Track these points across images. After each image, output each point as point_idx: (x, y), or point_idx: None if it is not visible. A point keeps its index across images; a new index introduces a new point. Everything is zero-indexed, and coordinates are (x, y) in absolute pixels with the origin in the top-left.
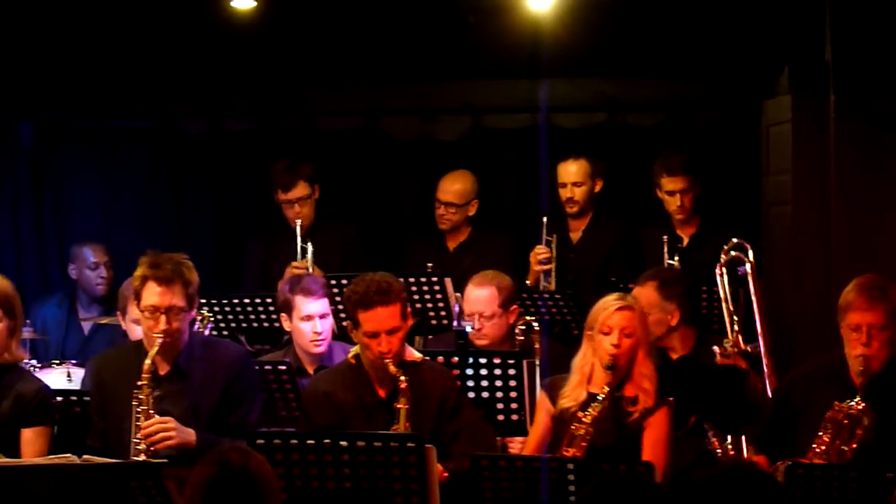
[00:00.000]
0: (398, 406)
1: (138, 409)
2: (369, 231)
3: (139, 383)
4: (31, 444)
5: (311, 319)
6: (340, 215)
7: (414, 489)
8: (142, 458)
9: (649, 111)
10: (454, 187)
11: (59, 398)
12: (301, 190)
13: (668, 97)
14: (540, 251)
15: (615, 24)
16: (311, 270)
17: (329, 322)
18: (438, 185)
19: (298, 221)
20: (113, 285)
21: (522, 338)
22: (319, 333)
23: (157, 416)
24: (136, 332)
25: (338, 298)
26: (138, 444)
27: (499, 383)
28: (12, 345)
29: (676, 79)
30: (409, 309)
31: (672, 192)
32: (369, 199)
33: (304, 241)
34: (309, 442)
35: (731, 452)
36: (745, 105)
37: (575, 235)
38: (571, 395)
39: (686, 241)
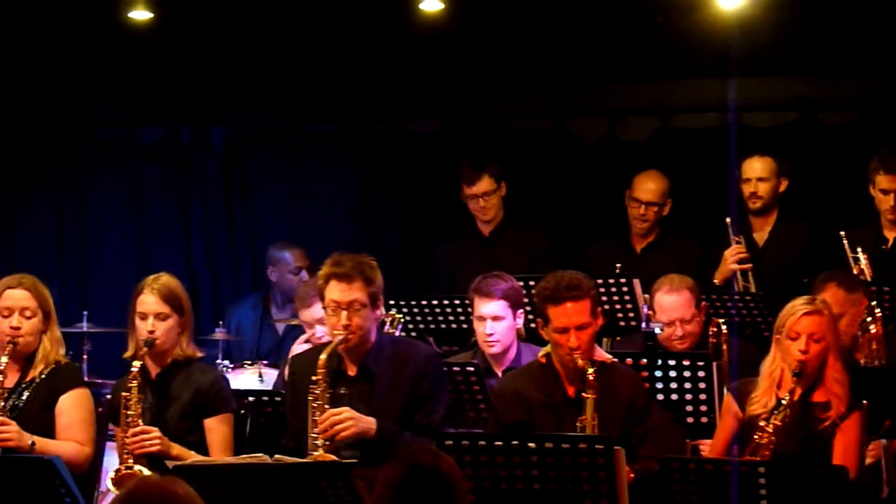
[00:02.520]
0: (585, 396)
1: (314, 405)
2: (555, 232)
3: (314, 378)
4: (215, 432)
5: (483, 321)
6: (526, 217)
7: (602, 491)
8: (319, 452)
9: (841, 109)
10: (654, 186)
11: (250, 398)
12: (486, 184)
13: (860, 95)
14: (737, 251)
15: (806, 21)
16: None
17: (504, 325)
18: (634, 184)
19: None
20: None
21: (714, 340)
22: (490, 335)
23: (331, 409)
24: (314, 334)
25: (525, 300)
26: (315, 438)
27: (688, 385)
28: (183, 341)
29: (869, 76)
30: (599, 308)
31: (887, 190)
32: (555, 200)
33: (491, 243)
34: (497, 443)
35: None
36: None
37: (760, 236)
38: (761, 400)
39: (891, 242)
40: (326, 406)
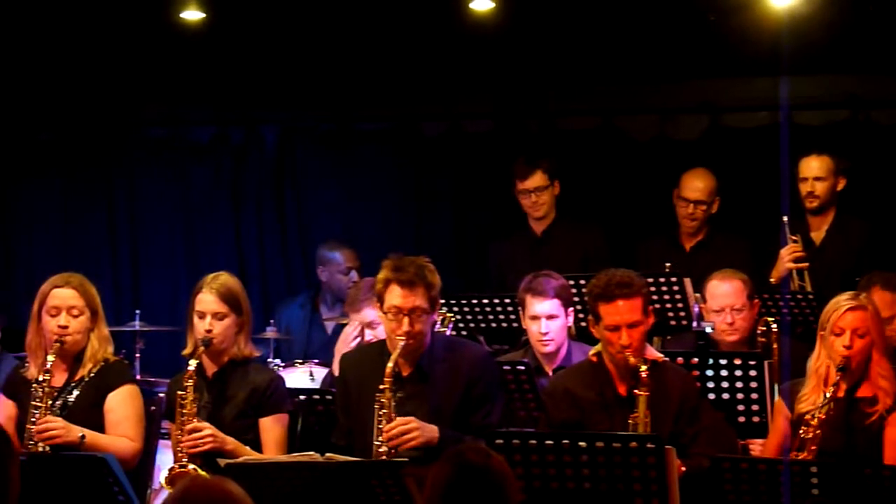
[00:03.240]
0: (638, 393)
1: (380, 412)
2: (606, 231)
3: (381, 386)
4: (270, 432)
5: (537, 320)
6: (576, 215)
7: (653, 490)
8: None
9: (893, 108)
10: (702, 185)
11: (301, 396)
12: (538, 179)
13: None
14: (793, 249)
15: (857, 18)
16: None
17: (558, 323)
18: (682, 183)
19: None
20: None
21: (764, 339)
22: (545, 334)
23: (398, 418)
24: (365, 334)
25: (576, 299)
26: (380, 446)
27: (739, 384)
28: (241, 341)
29: None
30: (651, 306)
31: None
32: (605, 199)
33: (543, 242)
34: (548, 442)
35: None
36: None
37: (817, 235)
38: (809, 398)
39: None
40: (393, 415)
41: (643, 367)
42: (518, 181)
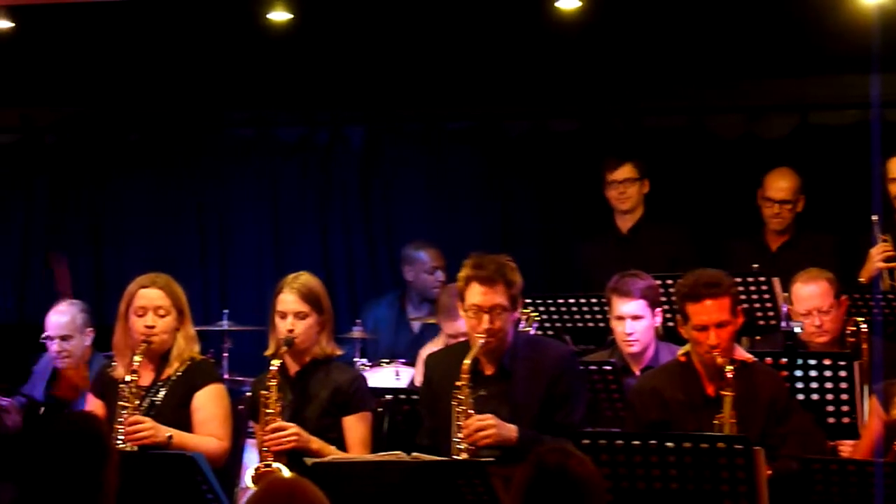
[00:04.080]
0: (723, 394)
1: (458, 409)
2: (694, 230)
3: (458, 383)
4: (353, 430)
5: (622, 320)
6: (663, 214)
7: (742, 491)
8: (463, 456)
9: None
10: (786, 184)
11: (387, 396)
12: (628, 171)
13: None
14: (883, 249)
15: None
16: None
17: (643, 324)
18: (766, 184)
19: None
20: None
21: (853, 340)
22: (630, 335)
23: (476, 415)
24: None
25: (663, 299)
26: (459, 443)
27: (829, 385)
28: (323, 340)
29: None
30: (739, 306)
31: None
32: (693, 198)
33: (629, 241)
34: (634, 442)
35: None
36: None
37: None
38: None
39: None
40: (471, 411)
41: (729, 367)
42: (607, 173)
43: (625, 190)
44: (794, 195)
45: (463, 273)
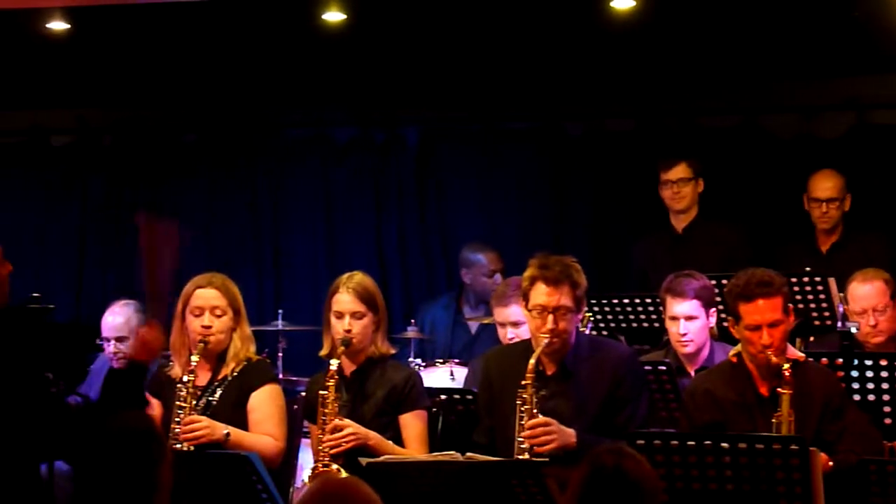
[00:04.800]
0: (781, 392)
1: (522, 409)
2: (749, 230)
3: (523, 383)
4: (410, 427)
5: (676, 320)
6: (718, 214)
7: (797, 493)
8: (525, 456)
9: None
10: (830, 183)
11: (442, 396)
12: (682, 171)
13: None
14: None
15: None
16: None
17: (697, 324)
18: (811, 186)
19: (676, 206)
20: None
21: None
22: (683, 335)
23: (540, 417)
24: (505, 334)
25: (718, 299)
26: (521, 443)
27: (885, 385)
28: (378, 339)
29: None
30: (791, 305)
31: None
32: (748, 197)
33: (684, 240)
34: (689, 443)
35: None
36: None
37: None
38: None
39: None
40: (535, 411)
41: (786, 366)
42: (662, 172)
43: (679, 189)
44: (839, 193)
45: (528, 273)
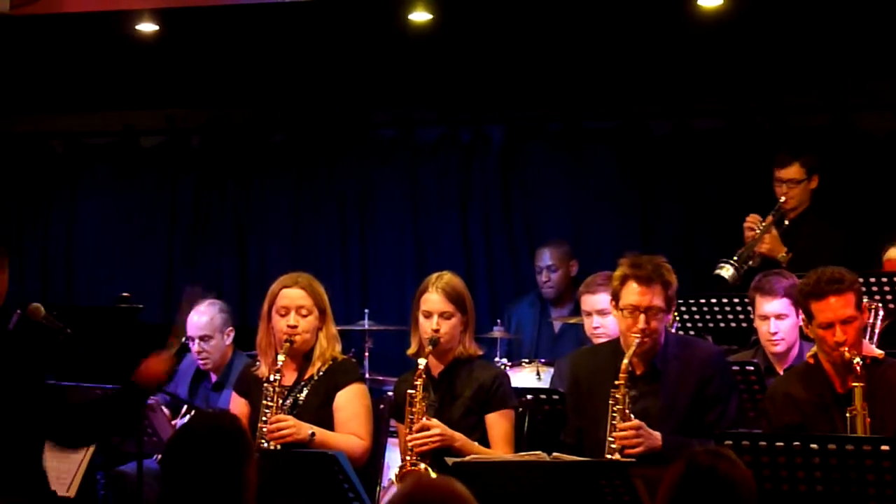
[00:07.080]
0: (853, 385)
1: (614, 409)
2: (850, 234)
3: (616, 383)
4: (496, 427)
5: (766, 319)
6: (821, 213)
7: (888, 494)
8: (616, 457)
9: None
10: None
11: (528, 396)
12: (794, 172)
13: None
14: None
15: None
16: None
17: (787, 323)
18: None
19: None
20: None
21: None
22: (774, 334)
23: (633, 419)
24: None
25: None
26: (612, 442)
27: None
28: (466, 339)
29: None
30: (864, 302)
31: None
32: (842, 196)
33: (789, 233)
34: (777, 443)
35: None
36: None
37: None
38: None
39: None
40: (628, 411)
41: (857, 360)
42: (776, 169)
43: (788, 191)
44: None
45: (619, 272)
